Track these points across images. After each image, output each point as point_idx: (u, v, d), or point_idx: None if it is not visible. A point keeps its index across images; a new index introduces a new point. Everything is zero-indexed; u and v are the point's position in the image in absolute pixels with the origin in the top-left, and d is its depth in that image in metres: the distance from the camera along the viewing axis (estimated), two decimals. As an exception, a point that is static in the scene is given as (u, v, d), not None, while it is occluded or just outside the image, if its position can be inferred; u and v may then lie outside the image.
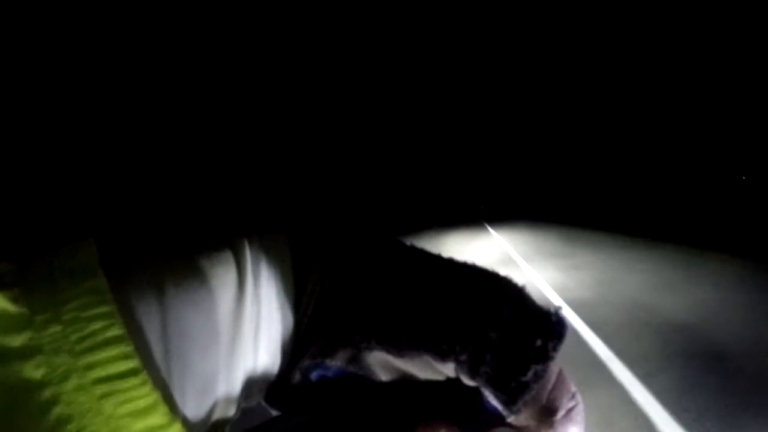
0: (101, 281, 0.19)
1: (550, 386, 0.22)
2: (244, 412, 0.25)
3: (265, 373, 0.25)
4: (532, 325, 0.22)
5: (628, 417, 1.99)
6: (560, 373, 0.22)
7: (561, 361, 0.22)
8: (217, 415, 0.22)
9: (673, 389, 2.17)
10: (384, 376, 0.23)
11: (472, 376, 0.21)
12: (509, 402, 0.21)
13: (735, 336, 2.74)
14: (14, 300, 0.17)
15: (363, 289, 0.24)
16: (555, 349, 0.21)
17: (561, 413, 0.21)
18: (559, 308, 0.23)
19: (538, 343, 0.21)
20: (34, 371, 0.16)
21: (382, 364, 0.23)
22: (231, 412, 0.23)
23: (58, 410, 0.16)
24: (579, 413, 0.22)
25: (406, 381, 0.24)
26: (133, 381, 0.18)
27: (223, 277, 0.23)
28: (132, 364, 0.18)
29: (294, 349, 0.25)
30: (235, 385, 0.23)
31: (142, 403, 0.17)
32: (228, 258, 0.24)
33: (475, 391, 0.22)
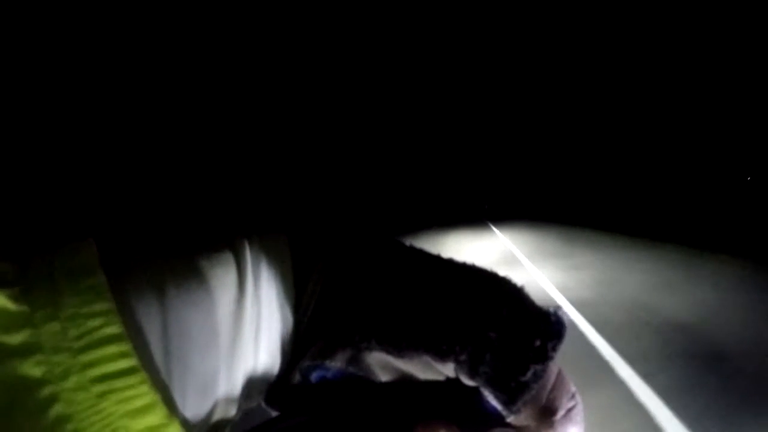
0: (101, 280, 0.19)
1: (549, 386, 0.22)
2: (244, 413, 0.25)
3: (265, 374, 0.25)
4: (531, 325, 0.22)
5: (632, 415, 2.00)
6: (560, 373, 0.22)
7: (564, 360, 0.22)
8: (217, 415, 0.22)
9: (675, 388, 2.18)
10: (384, 377, 0.23)
11: (472, 376, 0.21)
12: (509, 402, 0.21)
13: (735, 336, 2.73)
14: (14, 298, 0.17)
15: (363, 290, 0.24)
16: (554, 349, 0.21)
17: (561, 413, 0.21)
18: (558, 308, 0.23)
19: (537, 343, 0.21)
20: (33, 369, 0.16)
21: (382, 365, 0.23)
22: (231, 412, 0.23)
23: (57, 409, 0.16)
24: (579, 413, 0.22)
25: (406, 381, 0.24)
26: (132, 380, 0.18)
27: (223, 278, 0.23)
28: (130, 362, 0.18)
29: (294, 350, 0.25)
30: (236, 386, 0.23)
31: (140, 403, 0.17)
32: (228, 259, 0.24)
33: (475, 391, 0.22)
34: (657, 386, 2.21)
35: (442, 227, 18.34)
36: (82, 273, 0.19)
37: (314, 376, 0.24)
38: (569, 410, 0.22)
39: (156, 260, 0.22)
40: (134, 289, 0.20)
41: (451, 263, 0.25)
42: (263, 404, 0.26)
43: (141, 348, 0.19)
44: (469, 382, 0.22)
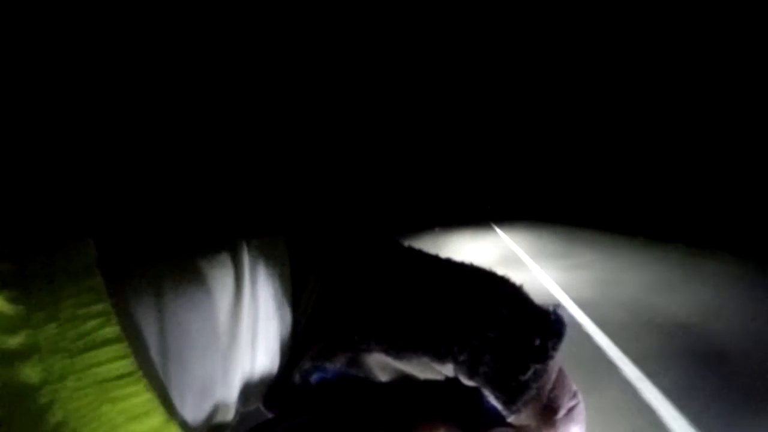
0: (98, 281, 0.19)
1: (550, 385, 0.21)
2: (242, 416, 0.25)
3: (264, 376, 0.25)
4: (531, 324, 0.22)
5: (637, 414, 2.01)
6: (560, 372, 0.22)
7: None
8: (216, 417, 0.22)
9: (678, 387, 2.18)
10: (383, 377, 0.23)
11: (471, 377, 0.21)
12: (509, 402, 0.21)
13: (736, 335, 2.74)
14: (11, 300, 0.17)
15: (361, 291, 0.24)
16: (554, 348, 0.21)
17: (562, 412, 0.21)
18: (557, 306, 0.23)
19: (537, 342, 0.21)
20: (31, 371, 0.16)
21: (382, 366, 0.23)
22: (230, 415, 0.23)
23: (55, 412, 0.16)
24: (580, 412, 0.22)
25: (405, 381, 0.23)
26: (130, 383, 0.18)
27: (220, 279, 0.23)
28: (128, 364, 0.18)
29: (293, 351, 0.25)
30: (234, 388, 0.23)
31: (138, 405, 0.17)
32: (226, 260, 0.24)
33: (475, 390, 0.22)
34: (661, 385, 2.21)
35: (444, 227, 18.36)
36: (81, 274, 0.19)
37: (314, 378, 0.24)
38: (570, 409, 0.22)
39: (154, 261, 0.22)
40: (132, 290, 0.20)
41: (449, 263, 0.25)
42: (262, 407, 0.26)
43: (139, 350, 0.19)
44: (468, 382, 0.22)
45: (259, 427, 0.23)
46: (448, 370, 0.22)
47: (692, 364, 2.43)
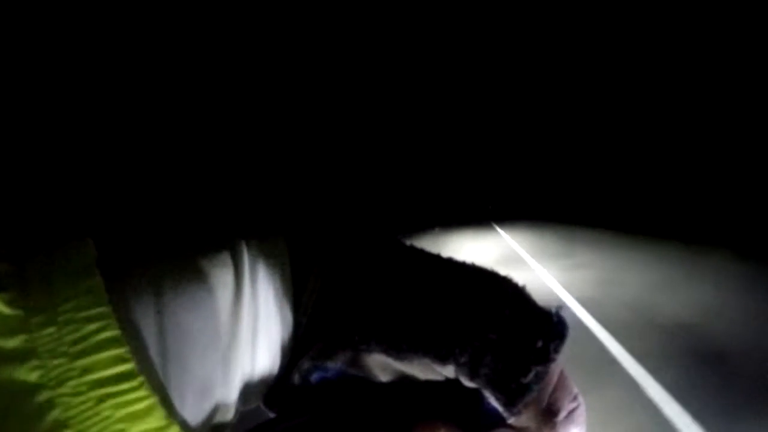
0: (98, 282, 0.19)
1: (551, 387, 0.21)
2: (242, 415, 0.25)
3: (264, 375, 0.24)
4: (533, 326, 0.21)
5: (642, 411, 2.02)
6: (562, 374, 0.22)
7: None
8: (216, 417, 0.22)
9: (682, 385, 2.19)
10: (384, 378, 0.23)
11: (472, 378, 0.21)
12: (509, 403, 0.21)
13: (738, 333, 2.74)
14: (10, 302, 0.17)
15: (362, 291, 0.24)
16: (556, 350, 0.21)
17: (562, 415, 0.21)
18: (560, 308, 0.22)
19: (539, 344, 0.21)
20: (29, 374, 0.16)
21: (382, 366, 0.23)
22: (230, 415, 0.23)
23: (54, 414, 0.16)
24: (581, 415, 0.22)
25: (406, 381, 0.23)
26: (130, 384, 0.17)
27: (220, 279, 0.23)
28: (128, 366, 0.18)
29: (293, 351, 0.25)
30: (234, 388, 0.23)
31: (138, 407, 0.17)
32: (226, 260, 0.24)
33: (476, 391, 0.22)
34: (664, 382, 2.23)
35: (444, 227, 18.37)
36: (80, 275, 0.19)
37: (314, 377, 0.24)
38: (571, 411, 0.21)
39: (154, 261, 0.22)
40: (132, 290, 0.20)
41: (451, 263, 0.24)
42: (262, 406, 0.26)
43: (138, 351, 0.19)
44: (469, 383, 0.22)
45: (259, 427, 0.23)
46: (448, 371, 0.22)
47: (695, 361, 2.43)
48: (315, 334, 0.24)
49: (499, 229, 15.16)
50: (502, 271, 0.24)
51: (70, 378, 0.17)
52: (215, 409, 0.22)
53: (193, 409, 0.21)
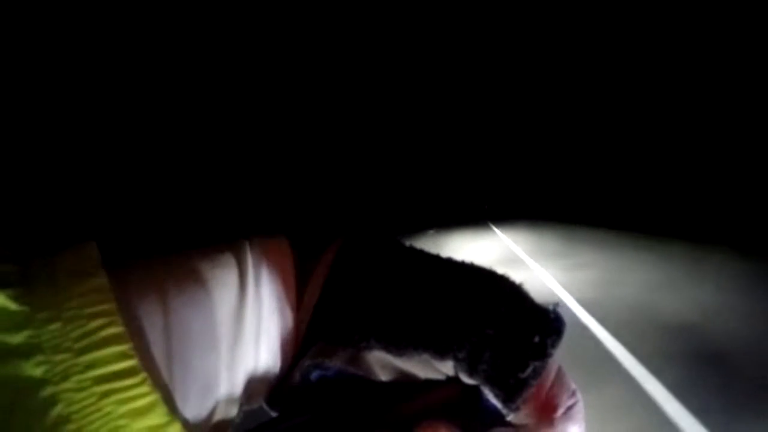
0: (102, 281, 0.19)
1: (549, 384, 0.21)
2: (245, 413, 0.25)
3: (266, 374, 0.25)
4: (530, 322, 0.22)
5: (643, 411, 2.02)
6: (559, 371, 0.22)
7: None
8: (218, 416, 0.23)
9: (684, 384, 2.19)
10: (384, 376, 0.23)
11: (471, 374, 0.21)
12: (508, 399, 0.21)
13: (739, 332, 2.74)
14: (15, 298, 0.17)
15: (362, 290, 0.24)
16: (554, 345, 0.21)
17: (560, 411, 0.21)
18: (557, 305, 0.23)
19: (537, 339, 0.21)
20: (34, 369, 0.16)
21: (382, 364, 0.23)
22: (232, 413, 0.24)
23: (57, 409, 0.16)
24: (579, 411, 0.22)
25: (406, 381, 0.24)
26: (133, 380, 0.18)
27: (224, 279, 0.23)
28: (131, 363, 0.18)
29: (295, 351, 0.26)
30: (236, 386, 0.23)
31: (141, 403, 0.18)
32: (229, 260, 0.24)
33: (475, 389, 0.22)
34: (666, 382, 2.22)
35: (440, 229, 18.30)
36: (84, 274, 0.19)
37: (314, 376, 0.24)
38: (569, 408, 0.22)
39: (158, 261, 0.23)
40: (136, 289, 0.20)
41: (449, 262, 0.25)
42: (264, 405, 0.26)
43: (142, 348, 0.19)
44: (468, 380, 0.22)
45: (260, 427, 0.23)
46: (448, 368, 0.22)
47: (696, 361, 2.43)
48: (317, 332, 0.25)
49: (496, 230, 15.11)
50: (501, 272, 0.25)
51: (74, 373, 0.17)
52: (218, 407, 0.22)
53: (196, 407, 0.21)
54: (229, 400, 0.23)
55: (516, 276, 0.24)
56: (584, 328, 3.18)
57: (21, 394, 0.16)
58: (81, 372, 0.17)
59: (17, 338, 0.17)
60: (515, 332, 0.21)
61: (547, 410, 0.21)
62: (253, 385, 0.24)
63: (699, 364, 2.40)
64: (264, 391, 0.25)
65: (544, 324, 0.22)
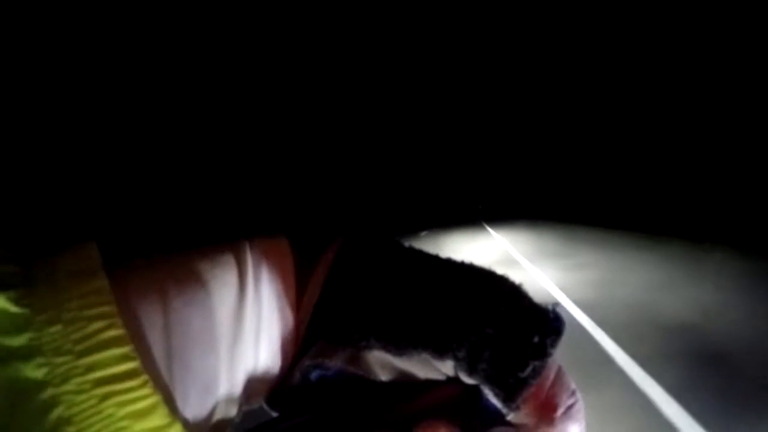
0: (103, 282, 0.19)
1: (548, 383, 0.21)
2: (245, 414, 0.25)
3: (266, 374, 0.25)
4: (530, 322, 0.22)
5: (642, 413, 2.01)
6: (559, 370, 0.22)
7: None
8: (218, 416, 0.23)
9: (683, 386, 2.18)
10: (384, 376, 0.24)
11: (470, 374, 0.22)
12: (508, 399, 0.21)
13: (739, 333, 2.73)
14: (15, 300, 0.17)
15: (362, 290, 0.24)
16: (553, 345, 0.21)
17: (560, 410, 0.21)
18: (556, 305, 0.23)
19: (536, 339, 0.21)
20: (34, 372, 0.16)
21: (382, 364, 0.23)
22: (232, 413, 0.24)
23: (58, 411, 0.16)
24: (579, 410, 0.22)
25: (406, 381, 0.24)
26: (133, 382, 0.18)
27: (224, 279, 0.23)
28: (132, 364, 0.18)
29: (295, 350, 0.26)
30: (237, 387, 0.23)
31: (142, 405, 0.18)
32: (229, 260, 0.24)
33: (475, 389, 0.22)
34: (665, 384, 2.22)
35: (433, 230, 18.22)
36: (84, 275, 0.19)
37: (314, 376, 0.24)
38: (569, 407, 0.22)
39: (157, 261, 0.23)
40: (136, 291, 0.20)
41: (449, 262, 0.25)
42: (264, 405, 0.26)
43: (143, 350, 0.19)
44: (468, 379, 0.22)
45: (260, 427, 0.23)
46: (448, 367, 0.22)
47: (695, 362, 2.43)
48: (317, 332, 0.25)
49: (490, 230, 15.04)
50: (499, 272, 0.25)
51: (75, 375, 0.17)
52: (218, 407, 0.22)
53: (196, 408, 0.21)
54: (229, 400, 0.23)
55: (513, 277, 0.24)
56: (583, 330, 3.17)
57: (21, 396, 0.16)
58: (81, 374, 0.17)
59: (18, 340, 0.17)
60: (515, 332, 0.21)
61: (547, 409, 0.21)
62: (253, 384, 0.24)
63: (699, 364, 2.39)
64: (264, 391, 0.25)
65: (543, 323, 0.22)
